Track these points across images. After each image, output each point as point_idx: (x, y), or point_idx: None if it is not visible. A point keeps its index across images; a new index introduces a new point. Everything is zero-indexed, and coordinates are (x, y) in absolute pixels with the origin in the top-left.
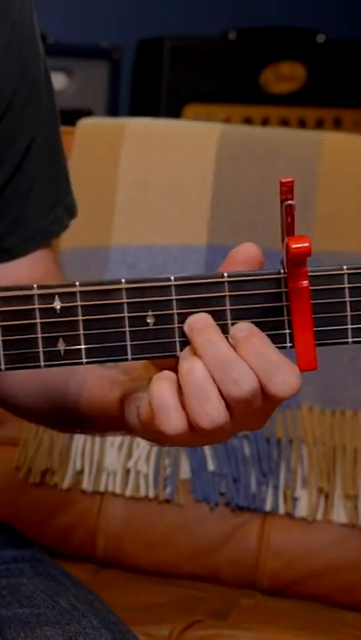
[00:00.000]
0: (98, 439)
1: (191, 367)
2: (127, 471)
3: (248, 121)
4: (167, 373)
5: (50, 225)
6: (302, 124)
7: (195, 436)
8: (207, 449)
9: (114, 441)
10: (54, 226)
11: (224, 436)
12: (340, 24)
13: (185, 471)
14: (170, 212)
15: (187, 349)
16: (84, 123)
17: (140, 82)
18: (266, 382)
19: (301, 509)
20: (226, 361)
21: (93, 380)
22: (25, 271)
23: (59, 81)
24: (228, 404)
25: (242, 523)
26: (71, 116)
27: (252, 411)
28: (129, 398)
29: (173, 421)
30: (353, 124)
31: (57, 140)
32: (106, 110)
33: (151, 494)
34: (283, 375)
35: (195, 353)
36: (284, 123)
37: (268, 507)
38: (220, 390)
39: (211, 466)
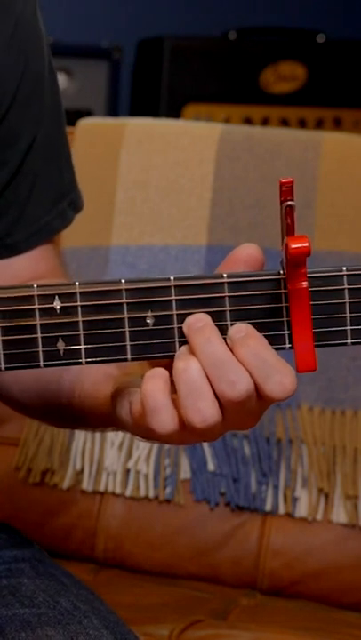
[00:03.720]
0: (98, 439)
1: (187, 365)
2: (127, 471)
3: (248, 121)
4: (159, 371)
5: (53, 220)
6: (302, 124)
7: (185, 433)
8: (207, 449)
9: (114, 441)
10: (58, 221)
11: (214, 435)
12: (340, 24)
13: (185, 471)
14: (170, 211)
15: (183, 348)
16: (84, 123)
17: (140, 82)
18: (261, 383)
19: (301, 509)
20: (222, 361)
21: (86, 376)
22: (29, 266)
23: (59, 81)
24: (222, 404)
25: (242, 523)
26: (71, 116)
27: (246, 411)
28: (121, 393)
29: (165, 420)
30: (353, 123)
31: (60, 135)
32: (106, 110)
33: (151, 494)
34: (279, 376)
35: (191, 352)
36: (284, 123)
37: (268, 507)
38: (214, 391)
39: (211, 466)
